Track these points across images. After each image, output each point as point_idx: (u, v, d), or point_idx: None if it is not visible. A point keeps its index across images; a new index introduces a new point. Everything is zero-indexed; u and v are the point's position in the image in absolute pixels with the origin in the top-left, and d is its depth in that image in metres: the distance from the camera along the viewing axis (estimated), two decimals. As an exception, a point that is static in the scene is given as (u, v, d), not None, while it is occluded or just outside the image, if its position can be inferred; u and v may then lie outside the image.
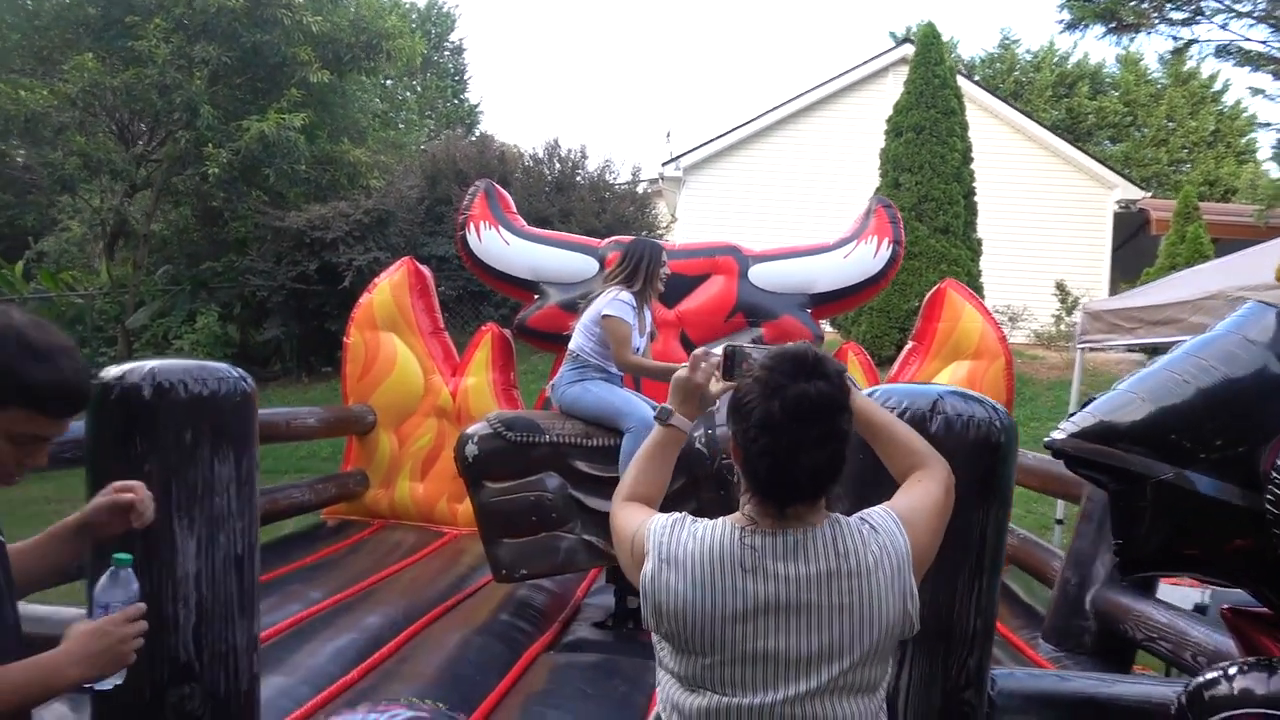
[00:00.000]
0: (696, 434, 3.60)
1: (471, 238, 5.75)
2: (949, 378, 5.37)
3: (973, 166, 10.92)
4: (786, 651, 1.40)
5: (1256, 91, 12.49)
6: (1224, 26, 12.17)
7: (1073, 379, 6.73)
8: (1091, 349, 6.52)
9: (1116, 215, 14.56)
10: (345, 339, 5.87)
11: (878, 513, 1.51)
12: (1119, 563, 1.65)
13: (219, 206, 11.51)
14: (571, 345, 3.87)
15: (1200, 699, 1.49)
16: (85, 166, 10.51)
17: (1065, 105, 24.80)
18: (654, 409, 3.63)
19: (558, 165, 11.96)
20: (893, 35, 26.57)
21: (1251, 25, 11.92)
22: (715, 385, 1.73)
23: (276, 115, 9.99)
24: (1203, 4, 11.82)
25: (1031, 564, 4.48)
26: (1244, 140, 24.70)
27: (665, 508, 3.54)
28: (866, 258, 5.66)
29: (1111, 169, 15.54)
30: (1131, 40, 13.62)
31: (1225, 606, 1.71)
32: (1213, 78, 24.77)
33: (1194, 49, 13.06)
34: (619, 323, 3.64)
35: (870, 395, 1.83)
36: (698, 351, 1.73)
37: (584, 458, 3.72)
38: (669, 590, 1.43)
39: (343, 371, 5.89)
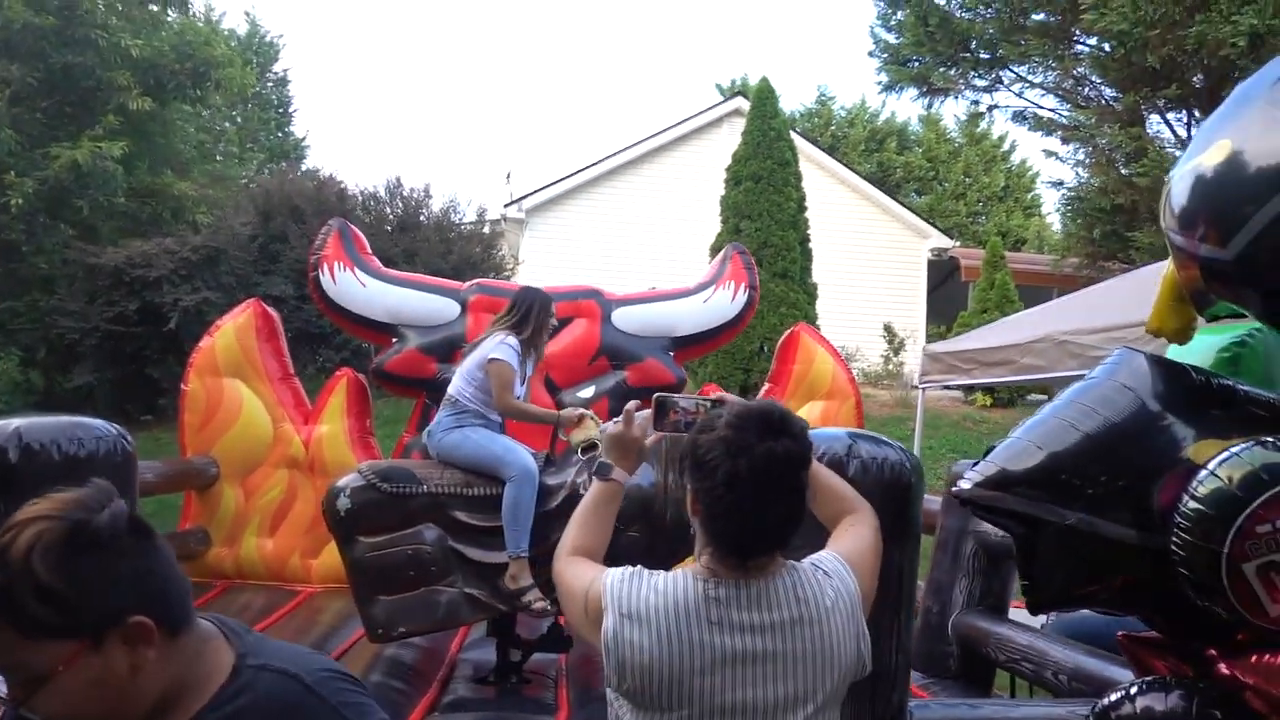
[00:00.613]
0: (580, 480, 3.58)
1: (325, 279, 5.51)
2: (805, 417, 5.60)
3: (807, 215, 11.53)
4: (755, 702, 1.41)
5: (1049, 154, 13.96)
6: (1020, 94, 13.53)
7: (905, 415, 7.21)
8: (926, 388, 7.00)
9: (930, 262, 15.74)
10: (184, 385, 5.46)
11: (827, 558, 1.56)
12: (1027, 602, 1.76)
13: (17, 240, 10.49)
14: (450, 390, 3.77)
15: (1107, 719, 1.61)
16: None
17: (876, 159, 26.68)
18: (533, 455, 3.61)
19: (400, 204, 11.68)
20: (719, 88, 27.77)
21: (1043, 94, 13.30)
22: (650, 436, 1.75)
23: (91, 143, 9.24)
24: (1002, 74, 13.09)
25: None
26: (1029, 195, 27.41)
27: (541, 563, 3.48)
28: (725, 302, 5.84)
29: (924, 219, 16.83)
30: (941, 103, 14.88)
31: (1121, 633, 1.86)
32: (1002, 138, 27.43)
33: (992, 113, 14.43)
34: (504, 366, 3.60)
35: None
36: (629, 405, 1.75)
37: (464, 508, 3.61)
38: (633, 646, 1.42)
39: (180, 421, 5.47)
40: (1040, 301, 8.00)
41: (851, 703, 1.96)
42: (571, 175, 15.18)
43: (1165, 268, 2.08)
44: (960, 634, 3.80)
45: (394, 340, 5.53)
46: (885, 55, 14.33)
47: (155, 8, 10.81)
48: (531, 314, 3.75)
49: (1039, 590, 1.76)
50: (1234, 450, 1.55)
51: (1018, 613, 4.37)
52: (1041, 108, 13.53)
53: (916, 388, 6.90)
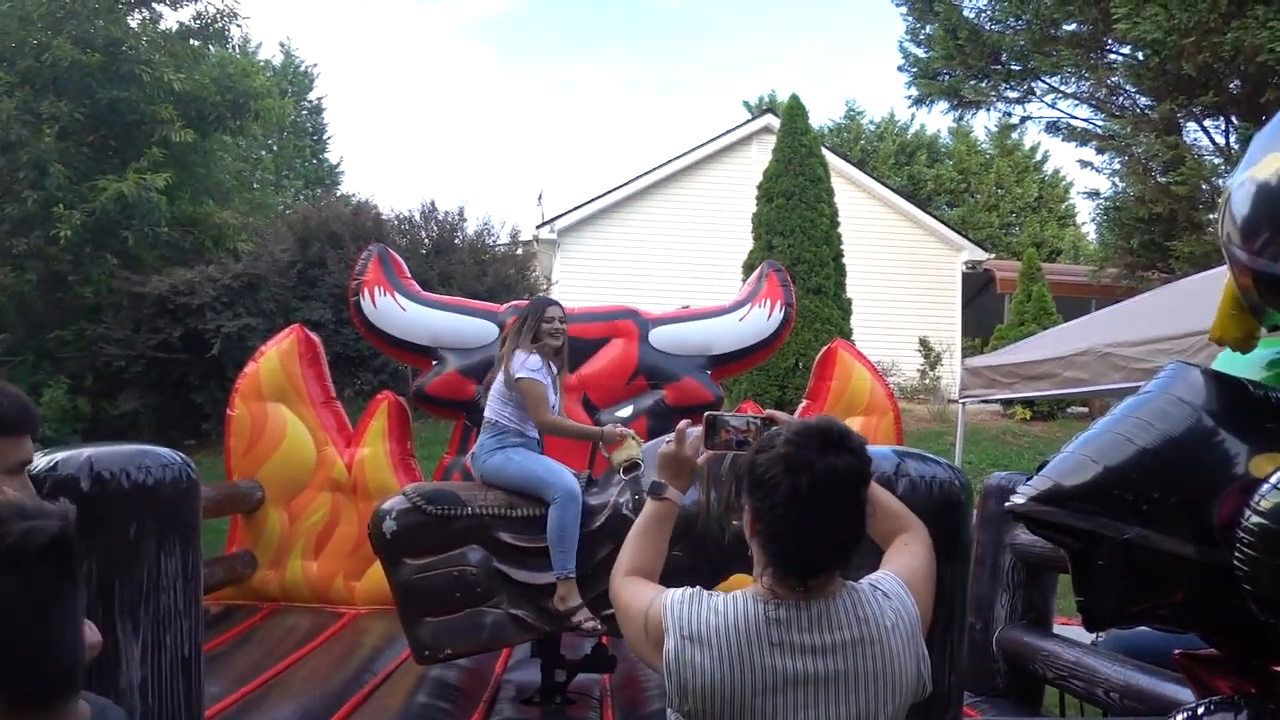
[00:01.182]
0: (622, 500, 3.60)
1: (365, 304, 5.59)
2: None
3: (840, 230, 11.51)
4: None
5: (1085, 164, 13.79)
6: (1053, 105, 13.43)
7: (943, 429, 7.15)
8: (964, 403, 6.94)
9: (964, 275, 15.62)
10: (229, 410, 5.56)
11: (885, 578, 1.56)
12: (1083, 619, 1.75)
13: (64, 270, 10.76)
14: (487, 414, 3.81)
15: (1172, 741, 1.59)
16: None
17: (906, 173, 26.55)
18: (575, 476, 3.63)
19: (435, 227, 11.83)
20: (746, 105, 27.85)
21: (1077, 105, 13.20)
22: (701, 455, 1.77)
23: (136, 175, 9.47)
24: (1034, 85, 13.01)
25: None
26: (1063, 206, 27.13)
27: (587, 583, 3.49)
28: (761, 320, 5.84)
29: (957, 232, 16.72)
30: (973, 116, 14.82)
31: (1178, 651, 1.84)
32: (1034, 149, 27.19)
33: (1024, 124, 14.34)
34: (533, 384, 3.63)
35: None
36: (681, 425, 1.76)
37: (508, 529, 3.63)
38: (695, 668, 1.42)
39: (226, 445, 5.57)
40: (1078, 313, 7.91)
41: (907, 722, 1.97)
42: (603, 195, 15.29)
43: (1222, 275, 2.06)
44: (1006, 650, 3.76)
45: (434, 363, 5.60)
46: (914, 69, 14.30)
47: (196, 42, 11.09)
48: (527, 321, 3.77)
49: (1095, 607, 1.74)
50: (1296, 464, 1.53)
51: (1062, 628, 4.33)
52: (1075, 118, 13.45)
53: (954, 402, 6.85)
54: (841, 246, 11.58)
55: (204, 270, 9.96)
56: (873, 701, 1.43)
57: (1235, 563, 1.52)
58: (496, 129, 55.05)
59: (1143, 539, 1.66)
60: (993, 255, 17.51)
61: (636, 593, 1.59)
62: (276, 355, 5.59)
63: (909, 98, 14.55)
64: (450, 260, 11.10)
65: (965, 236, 16.73)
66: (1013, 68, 13.22)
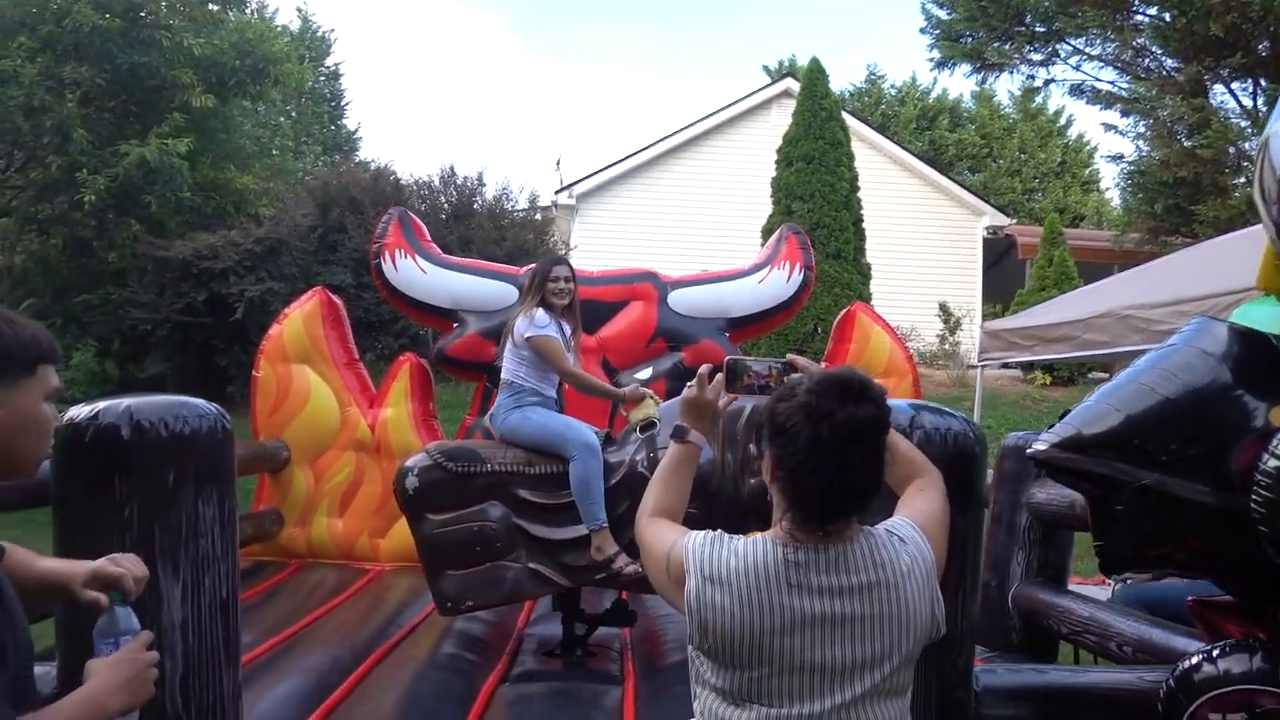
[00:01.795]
0: (639, 457, 3.65)
1: (387, 267, 5.65)
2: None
3: (859, 195, 11.44)
4: (833, 661, 1.46)
5: (1109, 128, 13.58)
6: (1077, 68, 13.22)
7: (962, 394, 7.16)
8: (985, 367, 6.94)
9: (985, 240, 15.50)
10: (255, 372, 5.64)
11: (901, 523, 1.60)
12: (1100, 563, 1.78)
13: (89, 235, 10.88)
14: (503, 374, 3.86)
15: (1189, 681, 1.64)
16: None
17: (928, 137, 26.23)
18: (594, 432, 3.69)
19: (454, 192, 11.84)
20: (766, 69, 27.54)
21: (1101, 67, 12.99)
22: (723, 399, 1.80)
23: (158, 140, 9.53)
24: (1058, 47, 12.80)
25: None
26: (1087, 171, 26.76)
27: (614, 533, 3.54)
28: (780, 283, 5.86)
29: (978, 197, 16.56)
30: (995, 79, 14.61)
31: (1192, 598, 1.88)
32: (1058, 113, 26.76)
33: (1048, 87, 14.14)
34: (545, 340, 3.68)
35: None
36: (703, 369, 1.80)
37: (527, 485, 3.70)
38: (715, 608, 1.47)
39: (252, 406, 5.66)
40: (1101, 278, 7.85)
41: (919, 666, 2.01)
42: (621, 160, 15.23)
43: (1244, 237, 2.07)
44: (1021, 607, 3.80)
45: (454, 325, 5.66)
46: (937, 31, 14.09)
47: (215, 7, 11.09)
48: (534, 282, 3.83)
49: (1112, 551, 1.78)
50: (1315, 410, 1.56)
51: (1078, 586, 4.37)
52: (1100, 80, 13.23)
53: (973, 367, 6.85)
54: (861, 211, 11.51)
55: (226, 235, 10.05)
56: (888, 642, 1.48)
57: (1252, 506, 1.56)
58: (515, 95, 54.75)
59: (1160, 485, 1.70)
60: (1014, 220, 17.34)
61: (660, 534, 1.64)
62: (300, 317, 5.65)
63: (931, 60, 14.37)
64: (469, 225, 11.12)
65: (987, 201, 16.56)
66: (1037, 29, 13.00)
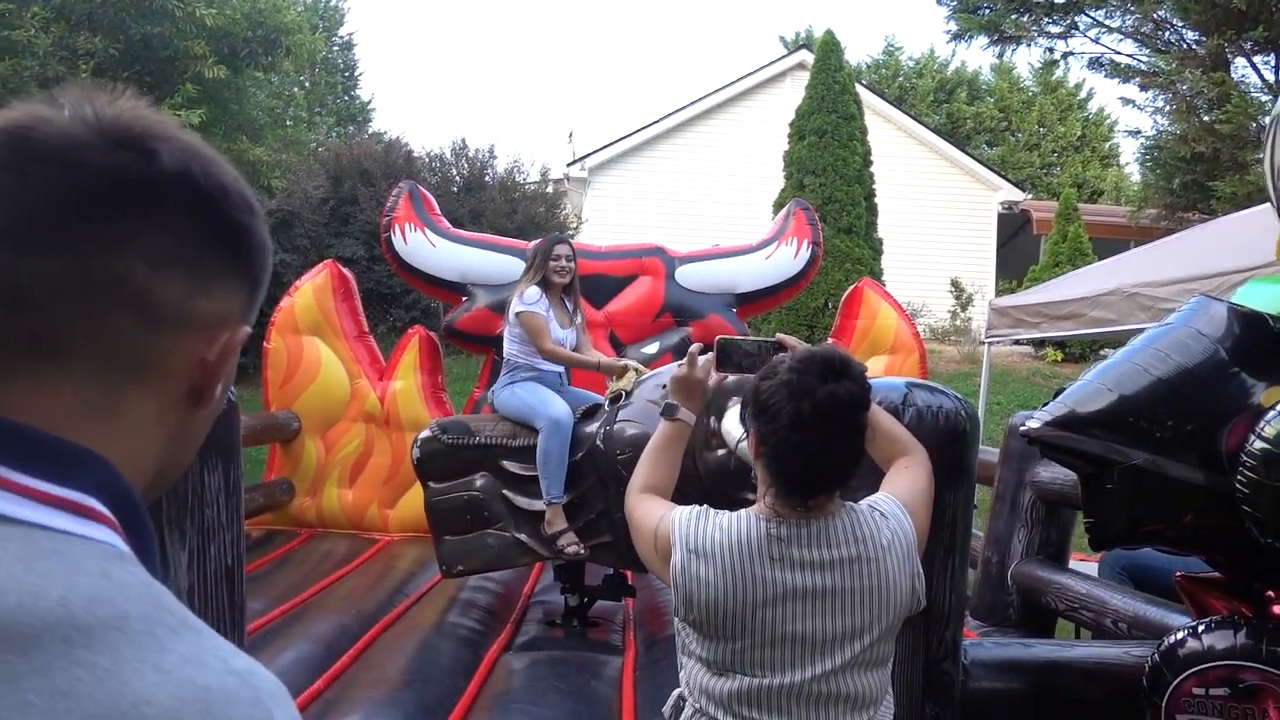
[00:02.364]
0: (600, 430, 3.68)
1: (397, 240, 5.68)
2: (869, 372, 5.62)
3: (872, 169, 11.36)
4: (813, 633, 1.50)
5: (1127, 102, 13.39)
6: (1096, 40, 13.02)
7: (972, 371, 7.15)
8: (994, 343, 6.92)
9: (1000, 216, 15.37)
10: (266, 343, 5.70)
11: (884, 499, 1.63)
12: (1090, 539, 1.81)
13: (103, 206, 10.91)
14: (504, 351, 4.00)
15: (1174, 656, 1.66)
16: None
17: (945, 110, 25.94)
18: (580, 404, 3.75)
19: (465, 165, 11.83)
20: (782, 40, 27.25)
21: (1121, 40, 12.80)
22: (713, 377, 1.83)
23: (171, 111, 9.54)
24: (1077, 19, 12.61)
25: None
26: (1107, 145, 26.43)
27: (573, 510, 3.65)
28: (788, 258, 5.86)
29: (994, 171, 16.40)
30: (1013, 51, 14.42)
31: (1179, 574, 1.90)
32: (1078, 86, 26.39)
33: (1067, 60, 13.93)
34: (530, 316, 3.80)
35: None
36: (693, 348, 1.83)
37: (511, 457, 3.84)
38: (699, 580, 1.50)
39: (264, 377, 5.73)
40: (1116, 255, 7.80)
41: (907, 639, 2.05)
42: (633, 133, 15.15)
43: (1254, 215, 2.06)
44: (1020, 583, 3.83)
45: (464, 298, 5.69)
46: (954, 3, 13.90)
47: (226, -25, 11.04)
48: (534, 262, 3.93)
49: (1103, 528, 1.81)
50: (1303, 391, 1.57)
51: (1079, 563, 4.39)
52: (1119, 53, 13.03)
53: (984, 343, 6.83)
54: (874, 186, 11.44)
55: (239, 207, 10.06)
56: (868, 614, 1.51)
57: (1237, 486, 1.58)
58: (527, 67, 54.39)
59: (1152, 464, 1.72)
60: (1030, 195, 17.19)
61: (649, 510, 1.67)
62: (311, 290, 5.70)
63: (948, 33, 14.17)
64: (481, 198, 11.12)
65: (1003, 176, 16.41)
66: (1055, 1, 12.81)
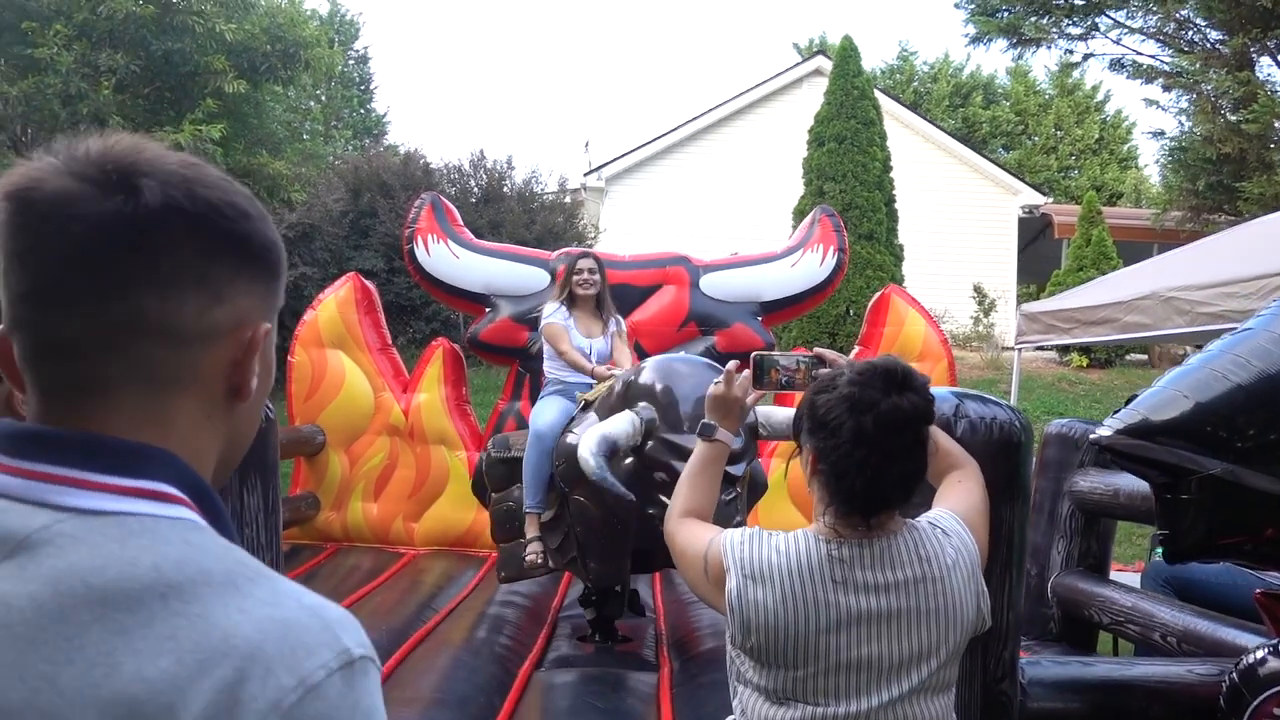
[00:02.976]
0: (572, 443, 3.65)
1: (419, 251, 5.66)
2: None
3: (892, 175, 11.29)
4: (879, 658, 1.44)
5: (1150, 103, 13.25)
6: (1117, 41, 12.91)
7: (995, 377, 7.05)
8: (1020, 349, 6.83)
9: (1021, 220, 15.24)
10: (290, 357, 5.69)
11: (944, 516, 1.57)
12: (1165, 553, 1.74)
13: (124, 222, 10.98)
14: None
15: (1254, 676, 1.59)
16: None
17: (961, 115, 25.81)
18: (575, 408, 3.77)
19: (484, 176, 11.84)
20: (796, 47, 27.21)
21: (1143, 40, 12.67)
22: (750, 395, 1.77)
23: (192, 126, 9.60)
24: (1098, 20, 12.50)
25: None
26: (1125, 147, 26.20)
27: (555, 523, 3.64)
28: (813, 266, 5.80)
29: (1013, 175, 16.27)
30: (1033, 54, 14.30)
31: (1259, 591, 1.83)
32: (1095, 88, 26.20)
33: (1086, 62, 13.80)
34: (547, 326, 4.02)
35: None
36: (729, 365, 1.77)
37: None
38: (757, 606, 1.44)
39: (288, 391, 5.71)
40: (1140, 258, 7.68)
41: (965, 658, 1.98)
42: (650, 142, 15.13)
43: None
44: (1061, 596, 3.75)
45: (486, 310, 5.66)
46: (972, 6, 13.80)
47: (245, -9, 11.12)
48: (563, 279, 4.13)
49: (1180, 540, 1.74)
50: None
51: (1118, 573, 4.31)
52: (1141, 54, 12.90)
53: (1009, 349, 6.75)
54: (894, 191, 11.36)
55: (259, 220, 10.09)
56: (935, 636, 1.45)
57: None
58: (542, 78, 54.61)
59: (1231, 475, 1.65)
60: (1050, 199, 17.04)
61: (693, 534, 1.61)
62: (334, 303, 5.69)
63: (965, 36, 14.05)
64: (499, 209, 11.11)
65: (1022, 180, 16.28)
66: (1076, 2, 12.69)
